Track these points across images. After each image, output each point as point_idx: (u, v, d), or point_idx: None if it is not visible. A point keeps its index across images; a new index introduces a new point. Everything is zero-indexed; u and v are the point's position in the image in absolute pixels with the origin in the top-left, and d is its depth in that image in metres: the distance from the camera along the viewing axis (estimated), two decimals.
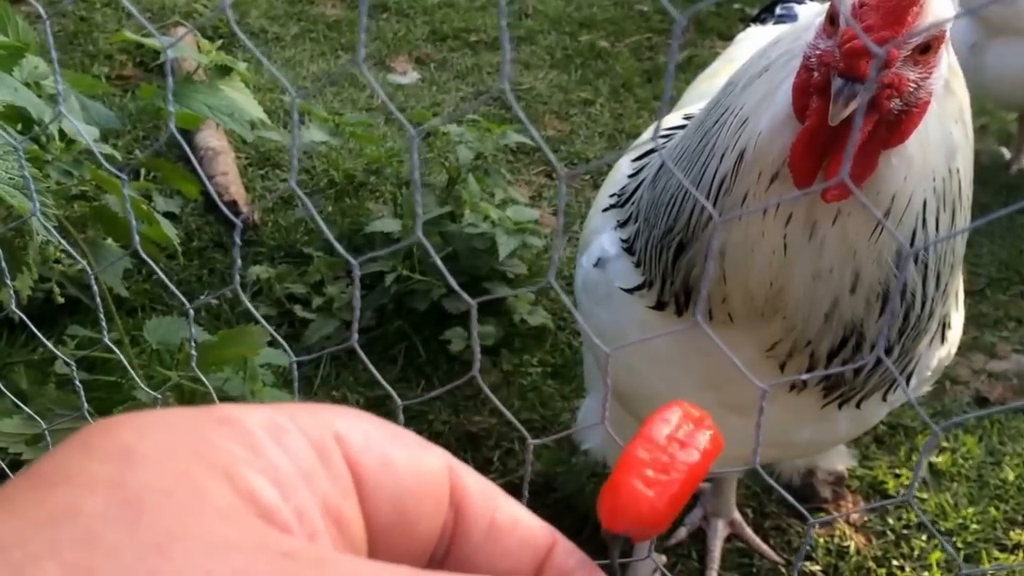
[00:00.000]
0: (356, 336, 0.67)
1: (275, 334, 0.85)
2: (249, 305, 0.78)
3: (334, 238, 2.50)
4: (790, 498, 0.69)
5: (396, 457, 0.41)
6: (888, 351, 1.26)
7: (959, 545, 2.08)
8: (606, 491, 0.46)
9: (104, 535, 0.31)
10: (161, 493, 0.33)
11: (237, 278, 0.70)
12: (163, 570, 0.30)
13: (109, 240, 2.11)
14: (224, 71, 2.23)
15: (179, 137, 0.74)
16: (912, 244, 1.14)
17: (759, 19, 2.03)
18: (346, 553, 0.38)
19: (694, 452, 0.46)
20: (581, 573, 0.44)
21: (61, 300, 2.16)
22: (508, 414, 0.72)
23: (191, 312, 0.85)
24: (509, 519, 0.44)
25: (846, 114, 1.00)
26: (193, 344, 0.93)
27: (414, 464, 0.41)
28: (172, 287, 0.87)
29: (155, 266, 0.85)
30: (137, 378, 1.42)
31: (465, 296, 0.66)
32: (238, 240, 0.70)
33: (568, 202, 3.12)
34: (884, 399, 1.40)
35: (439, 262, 0.61)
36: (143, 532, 0.31)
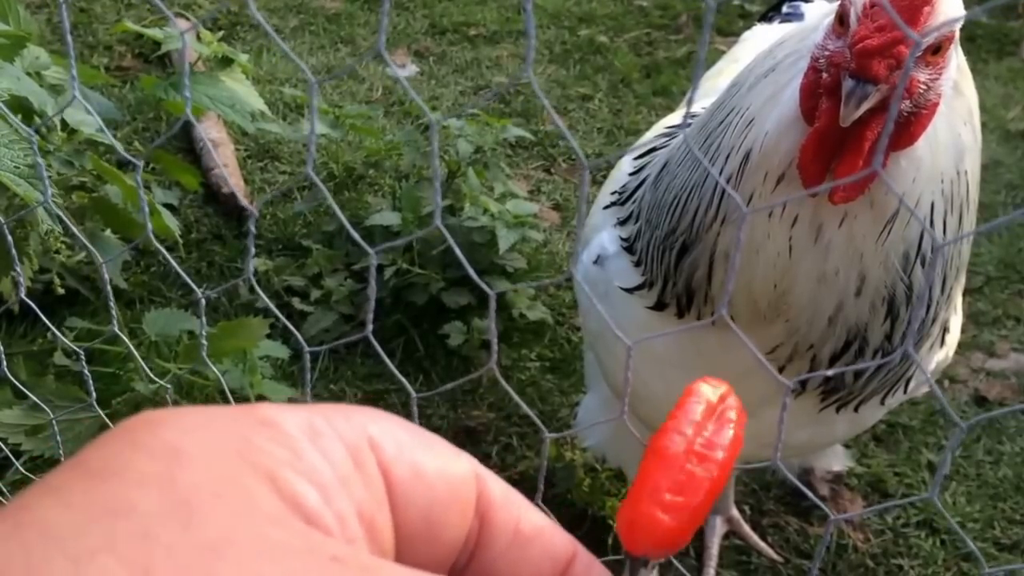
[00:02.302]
0: (371, 327, 0.67)
1: (288, 323, 0.85)
2: (265, 297, 0.77)
3: (335, 231, 2.48)
4: (812, 496, 0.69)
5: (427, 466, 0.41)
6: (890, 355, 1.26)
7: (957, 544, 2.09)
8: (624, 515, 0.45)
9: (160, 534, 0.31)
10: (211, 495, 0.34)
11: (251, 267, 0.70)
12: (219, 571, 0.31)
13: (108, 231, 2.11)
14: (225, 62, 2.22)
15: (194, 121, 0.74)
16: (919, 247, 1.14)
17: (766, 18, 2.03)
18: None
19: (712, 466, 0.45)
20: None
21: (61, 291, 2.16)
22: (526, 407, 0.72)
23: (202, 300, 0.84)
24: (532, 528, 0.44)
25: (857, 115, 1.00)
26: (203, 334, 0.92)
27: (444, 472, 0.42)
28: (184, 274, 0.87)
29: (167, 253, 0.84)
30: (141, 369, 1.42)
31: (484, 287, 0.65)
32: (253, 229, 0.70)
33: (568, 197, 3.12)
34: (882, 403, 1.40)
35: (459, 252, 0.61)
36: (197, 532, 0.32)
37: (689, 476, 0.45)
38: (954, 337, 1.47)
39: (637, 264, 1.39)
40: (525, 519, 0.44)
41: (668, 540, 0.44)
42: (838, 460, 2.00)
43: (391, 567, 0.35)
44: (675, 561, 1.79)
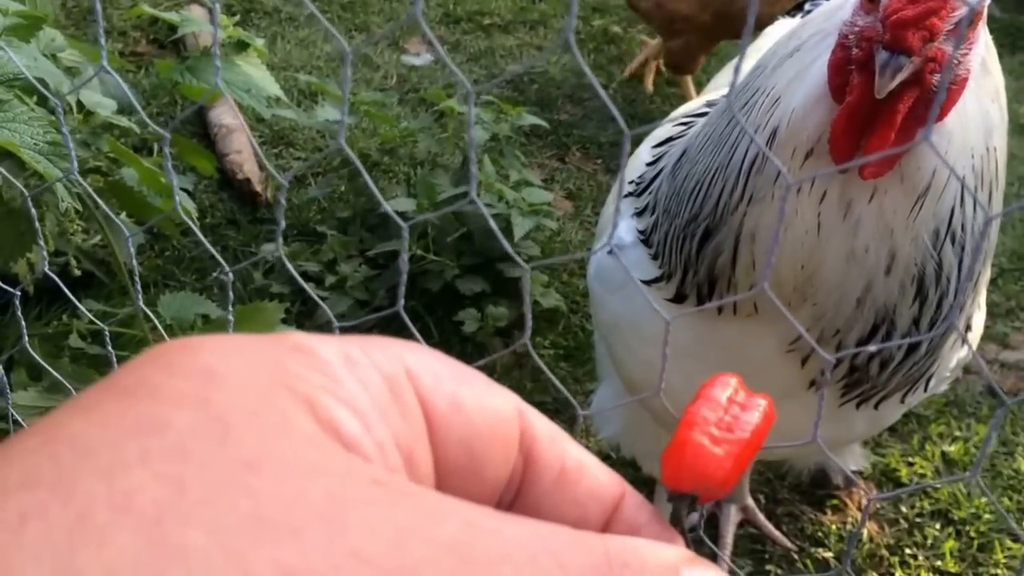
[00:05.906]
0: (402, 301, 0.66)
1: (317, 299, 0.84)
2: (289, 265, 0.77)
3: (349, 217, 2.46)
4: (851, 474, 0.68)
5: (466, 398, 0.39)
6: (917, 347, 1.25)
7: (971, 535, 2.08)
8: (670, 450, 0.44)
9: (194, 449, 0.31)
10: (247, 414, 0.33)
11: (280, 242, 0.69)
12: (255, 487, 0.30)
13: (123, 215, 2.11)
14: (241, 46, 2.21)
15: (228, 92, 0.73)
16: (950, 224, 1.13)
17: (790, 14, 2.03)
18: None
19: (755, 413, 0.45)
20: (651, 528, 0.43)
21: (78, 273, 2.15)
22: (559, 384, 0.71)
23: (230, 275, 0.84)
24: (577, 466, 0.42)
25: (892, 87, 0.99)
26: (230, 310, 0.92)
27: (484, 406, 0.40)
28: (211, 249, 0.86)
29: (193, 225, 0.84)
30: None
31: (520, 262, 0.65)
32: (283, 201, 0.69)
33: (581, 186, 3.11)
34: (902, 400, 1.39)
35: (493, 223, 0.60)
36: (232, 449, 0.31)
37: (735, 418, 0.44)
38: (975, 335, 1.46)
39: (654, 257, 1.38)
40: (570, 456, 0.42)
41: (716, 474, 0.43)
42: (855, 459, 1.99)
43: (433, 494, 0.34)
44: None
